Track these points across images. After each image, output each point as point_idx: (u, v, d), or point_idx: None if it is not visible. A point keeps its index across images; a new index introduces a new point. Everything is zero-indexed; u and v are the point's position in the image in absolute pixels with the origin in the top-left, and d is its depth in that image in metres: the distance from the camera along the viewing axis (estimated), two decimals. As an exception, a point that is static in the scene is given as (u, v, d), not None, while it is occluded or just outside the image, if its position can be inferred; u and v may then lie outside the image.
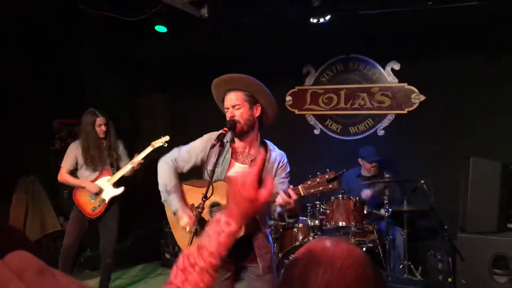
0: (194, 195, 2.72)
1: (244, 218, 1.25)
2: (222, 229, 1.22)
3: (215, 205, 2.67)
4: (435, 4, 4.41)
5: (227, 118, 2.68)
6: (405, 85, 5.53)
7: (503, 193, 4.51)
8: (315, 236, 4.50)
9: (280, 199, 2.36)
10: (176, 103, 6.73)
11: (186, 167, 2.81)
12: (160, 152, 2.86)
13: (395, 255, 4.73)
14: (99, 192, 4.38)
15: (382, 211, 4.73)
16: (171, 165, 2.79)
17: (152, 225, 5.81)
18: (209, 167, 2.70)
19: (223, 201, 2.60)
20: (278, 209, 2.64)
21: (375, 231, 4.72)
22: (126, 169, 4.40)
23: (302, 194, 2.37)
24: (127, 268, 5.66)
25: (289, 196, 2.35)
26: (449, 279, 4.54)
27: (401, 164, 5.28)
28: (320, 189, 2.35)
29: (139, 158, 4.39)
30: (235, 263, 2.77)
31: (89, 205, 4.37)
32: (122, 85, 6.45)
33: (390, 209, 4.61)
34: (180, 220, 2.69)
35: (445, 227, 4.55)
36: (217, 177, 2.69)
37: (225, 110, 2.73)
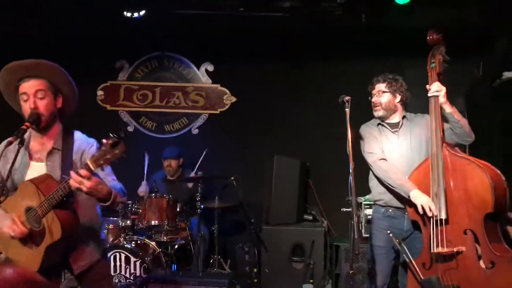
0: (12, 205, 2.34)
1: None
2: None
3: (29, 209, 2.29)
4: (246, 11, 4.67)
5: (28, 107, 2.33)
6: (218, 86, 5.75)
7: (301, 188, 5.03)
8: (126, 237, 4.36)
9: (72, 181, 2.11)
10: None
11: None
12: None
13: (206, 250, 4.87)
14: None
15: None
16: None
17: None
18: (7, 172, 2.31)
19: (34, 203, 2.26)
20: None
21: (187, 228, 4.80)
22: None
23: (93, 168, 2.12)
24: None
25: (80, 176, 2.10)
26: (255, 270, 4.86)
27: (213, 161, 5.46)
28: (108, 157, 2.10)
29: None
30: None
31: None
32: None
33: (202, 206, 4.72)
34: None
35: (252, 220, 4.86)
36: (18, 182, 2.37)
37: (23, 97, 2.36)
